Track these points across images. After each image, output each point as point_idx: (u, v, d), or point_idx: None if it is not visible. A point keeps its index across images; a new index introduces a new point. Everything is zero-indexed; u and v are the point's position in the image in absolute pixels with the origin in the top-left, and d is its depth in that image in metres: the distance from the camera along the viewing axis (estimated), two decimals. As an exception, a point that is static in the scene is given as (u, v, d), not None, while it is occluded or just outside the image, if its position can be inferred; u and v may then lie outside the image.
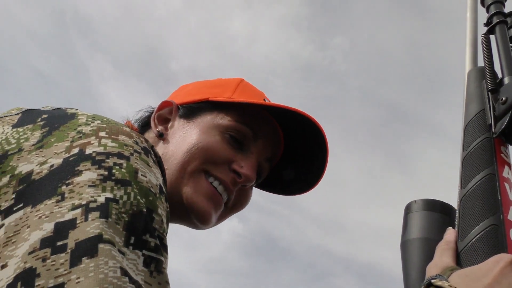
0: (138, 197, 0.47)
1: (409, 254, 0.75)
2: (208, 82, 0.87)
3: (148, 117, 0.84)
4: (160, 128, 0.80)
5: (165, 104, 0.83)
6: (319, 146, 0.83)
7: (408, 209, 0.79)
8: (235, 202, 0.80)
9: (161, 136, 0.78)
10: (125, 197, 0.46)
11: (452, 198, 0.78)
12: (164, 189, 0.53)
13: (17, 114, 0.57)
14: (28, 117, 0.56)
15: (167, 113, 0.82)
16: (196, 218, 0.74)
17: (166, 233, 0.50)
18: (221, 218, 0.80)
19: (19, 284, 0.39)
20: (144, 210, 0.47)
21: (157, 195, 0.50)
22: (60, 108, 0.60)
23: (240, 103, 0.79)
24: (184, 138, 0.76)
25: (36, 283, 0.39)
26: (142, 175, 0.49)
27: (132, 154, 0.50)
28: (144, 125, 0.85)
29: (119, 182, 0.47)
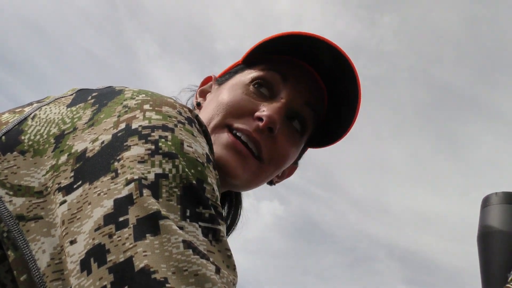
0: (187, 169, 0.48)
1: (489, 247, 0.74)
2: None
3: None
4: (199, 99, 0.86)
5: (207, 80, 0.89)
6: (353, 87, 0.78)
7: (487, 201, 0.77)
8: (270, 154, 0.75)
9: (198, 105, 0.85)
10: (174, 171, 0.48)
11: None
12: (211, 157, 0.54)
13: (72, 94, 0.60)
14: (80, 96, 0.58)
15: (208, 87, 0.88)
16: (225, 173, 0.71)
17: (219, 200, 0.51)
18: (259, 174, 0.76)
19: (92, 259, 0.42)
20: (194, 182, 0.48)
21: (205, 164, 0.51)
22: (110, 86, 0.62)
23: (265, 43, 0.78)
24: (213, 101, 0.80)
25: (108, 259, 0.42)
26: (187, 146, 0.50)
27: (176, 126, 0.52)
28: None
29: (167, 156, 0.48)
